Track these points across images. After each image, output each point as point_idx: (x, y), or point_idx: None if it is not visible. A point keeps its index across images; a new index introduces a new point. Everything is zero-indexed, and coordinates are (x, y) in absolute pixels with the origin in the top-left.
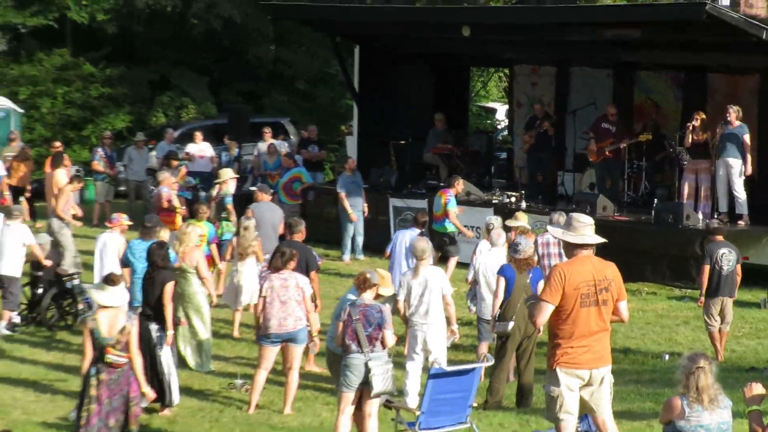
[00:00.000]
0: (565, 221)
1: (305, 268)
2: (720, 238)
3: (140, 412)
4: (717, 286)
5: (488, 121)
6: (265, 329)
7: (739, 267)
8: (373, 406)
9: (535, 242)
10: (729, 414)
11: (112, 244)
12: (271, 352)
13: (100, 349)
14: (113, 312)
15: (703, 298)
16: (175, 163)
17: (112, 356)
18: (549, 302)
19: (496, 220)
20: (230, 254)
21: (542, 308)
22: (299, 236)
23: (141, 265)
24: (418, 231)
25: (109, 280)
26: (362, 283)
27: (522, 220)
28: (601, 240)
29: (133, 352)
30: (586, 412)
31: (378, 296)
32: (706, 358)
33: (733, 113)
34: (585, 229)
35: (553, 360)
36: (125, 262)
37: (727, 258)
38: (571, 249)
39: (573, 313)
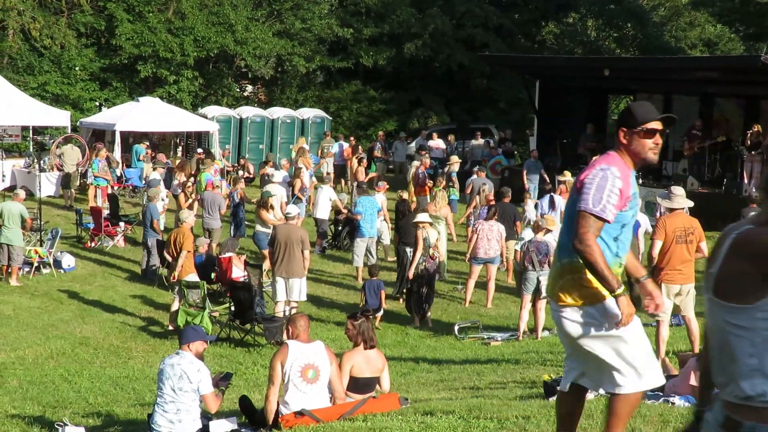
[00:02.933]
0: (665, 193)
1: (512, 220)
2: (753, 205)
3: None
4: None
5: None
6: (474, 254)
7: None
8: (540, 303)
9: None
10: None
11: (379, 199)
12: (477, 268)
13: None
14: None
15: None
16: (423, 152)
17: (434, 252)
18: (657, 239)
19: None
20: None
21: (654, 244)
22: (507, 199)
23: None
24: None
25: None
26: (536, 228)
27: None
28: (689, 203)
29: None
30: (677, 312)
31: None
32: None
33: None
34: (677, 198)
35: (658, 278)
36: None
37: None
38: (670, 209)
39: (671, 247)
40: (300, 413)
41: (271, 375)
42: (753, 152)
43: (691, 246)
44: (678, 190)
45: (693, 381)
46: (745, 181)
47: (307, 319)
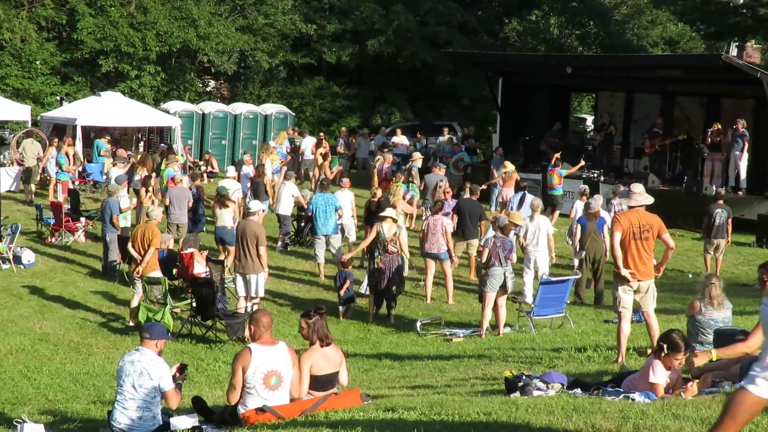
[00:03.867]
0: (624, 191)
1: (478, 218)
2: (720, 201)
3: None
4: (713, 232)
5: (580, 126)
6: (423, 250)
7: (729, 221)
8: (502, 300)
9: (610, 203)
10: (730, 312)
11: (347, 196)
12: (431, 264)
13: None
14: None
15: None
16: (386, 149)
17: (390, 246)
18: (616, 231)
19: (585, 189)
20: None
21: (613, 235)
22: (475, 197)
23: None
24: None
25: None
26: (495, 225)
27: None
28: (649, 200)
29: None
30: (636, 308)
31: (513, 227)
32: (717, 277)
33: (740, 123)
34: (636, 195)
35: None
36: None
37: (720, 215)
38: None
39: (629, 243)
40: (261, 410)
41: (232, 380)
42: (713, 151)
43: (647, 243)
44: (637, 188)
45: (652, 378)
46: (706, 178)
47: (270, 317)
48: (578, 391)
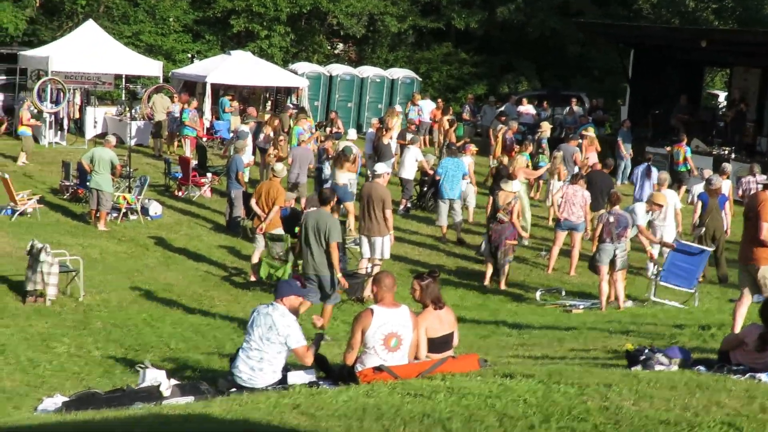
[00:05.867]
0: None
1: (607, 190)
2: None
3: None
4: None
5: (713, 102)
6: (558, 219)
7: None
8: (617, 275)
9: (740, 181)
10: None
11: (466, 161)
12: (562, 235)
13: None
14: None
15: None
16: (503, 118)
17: (500, 215)
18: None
19: (726, 167)
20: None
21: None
22: (608, 170)
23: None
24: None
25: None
26: (615, 199)
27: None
28: None
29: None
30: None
31: (658, 208)
32: None
33: None
34: None
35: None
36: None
37: None
38: None
39: None
40: (379, 369)
41: (351, 340)
42: None
43: None
44: None
45: None
46: None
47: (393, 279)
48: (702, 368)
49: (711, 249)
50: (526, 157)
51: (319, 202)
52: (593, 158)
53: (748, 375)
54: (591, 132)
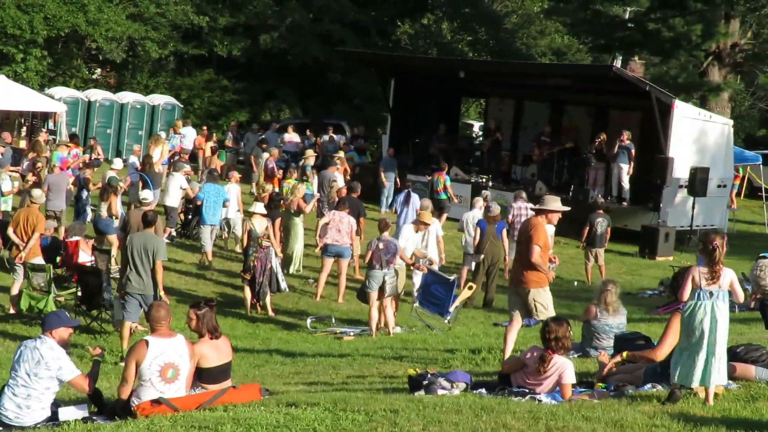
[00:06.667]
0: (544, 199)
1: (357, 216)
2: (600, 210)
3: None
4: (593, 241)
5: (468, 131)
6: (324, 244)
7: (608, 229)
8: (386, 301)
9: (511, 207)
10: (625, 318)
11: (233, 189)
12: (329, 261)
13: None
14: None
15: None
16: (264, 145)
17: (264, 242)
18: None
19: (486, 194)
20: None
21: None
22: (356, 194)
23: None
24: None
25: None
26: (384, 226)
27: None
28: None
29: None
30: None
31: (423, 227)
32: (614, 283)
33: (626, 135)
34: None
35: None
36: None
37: (600, 224)
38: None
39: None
40: (157, 401)
41: (125, 374)
42: (599, 161)
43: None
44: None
45: (567, 378)
46: (592, 187)
47: (167, 309)
48: (483, 391)
49: (453, 278)
50: (303, 186)
51: (143, 224)
52: (340, 182)
53: (528, 396)
54: (341, 153)
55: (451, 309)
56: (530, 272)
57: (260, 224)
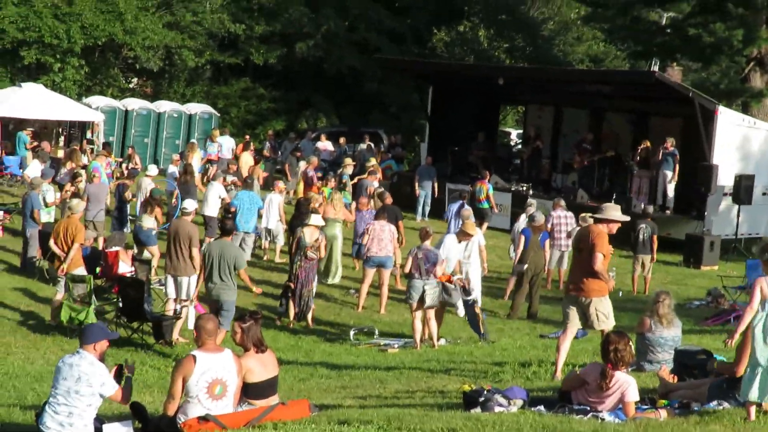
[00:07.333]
0: (604, 208)
1: (395, 219)
2: (649, 219)
3: None
4: (637, 248)
5: (505, 139)
6: (366, 255)
7: (654, 237)
8: (429, 313)
9: (550, 215)
10: (680, 331)
11: (276, 199)
12: (371, 272)
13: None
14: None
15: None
16: (298, 153)
17: (309, 253)
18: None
19: (532, 203)
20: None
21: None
22: (388, 200)
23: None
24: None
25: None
26: (425, 235)
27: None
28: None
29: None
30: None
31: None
32: (667, 294)
33: (669, 142)
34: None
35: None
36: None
37: (644, 230)
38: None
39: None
40: (204, 419)
41: (172, 389)
42: (642, 168)
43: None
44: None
45: (631, 396)
46: (634, 195)
47: (215, 322)
48: (542, 408)
49: (471, 299)
50: (340, 195)
51: (221, 232)
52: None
53: (590, 415)
54: (373, 161)
55: (482, 330)
56: (592, 280)
57: (311, 235)
